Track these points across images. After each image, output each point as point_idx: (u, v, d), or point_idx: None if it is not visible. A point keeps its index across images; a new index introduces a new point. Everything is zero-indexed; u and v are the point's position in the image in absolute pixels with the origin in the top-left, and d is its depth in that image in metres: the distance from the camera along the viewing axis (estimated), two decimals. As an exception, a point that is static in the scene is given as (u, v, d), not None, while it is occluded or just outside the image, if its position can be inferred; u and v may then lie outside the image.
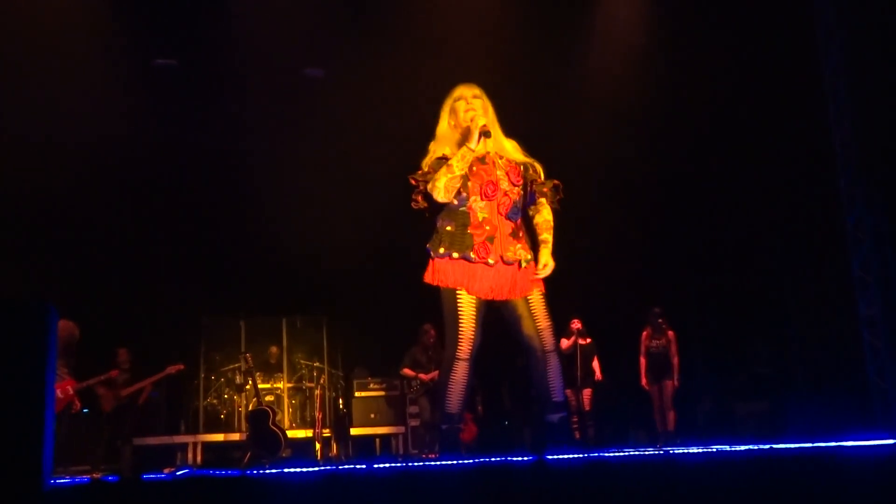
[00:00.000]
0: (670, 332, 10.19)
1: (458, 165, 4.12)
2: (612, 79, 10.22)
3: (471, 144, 4.12)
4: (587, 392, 10.17)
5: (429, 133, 4.43)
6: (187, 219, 11.37)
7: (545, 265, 4.29)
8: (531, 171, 4.42)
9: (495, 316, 4.38)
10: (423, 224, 10.49)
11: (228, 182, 11.13)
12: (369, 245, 11.22)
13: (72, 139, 9.69)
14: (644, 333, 10.33)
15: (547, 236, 4.38)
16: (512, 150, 4.43)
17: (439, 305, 4.18)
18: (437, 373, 9.63)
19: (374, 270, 11.45)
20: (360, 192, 10.62)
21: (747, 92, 9.74)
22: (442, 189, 4.10)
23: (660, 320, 10.25)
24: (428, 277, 4.23)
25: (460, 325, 4.11)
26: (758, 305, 10.47)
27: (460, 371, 4.12)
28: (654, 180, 10.78)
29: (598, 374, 10.42)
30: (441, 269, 4.20)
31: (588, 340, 10.23)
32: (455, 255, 4.17)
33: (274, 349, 11.50)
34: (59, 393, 8.43)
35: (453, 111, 4.34)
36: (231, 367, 11.26)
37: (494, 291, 4.21)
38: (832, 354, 9.18)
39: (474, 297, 4.16)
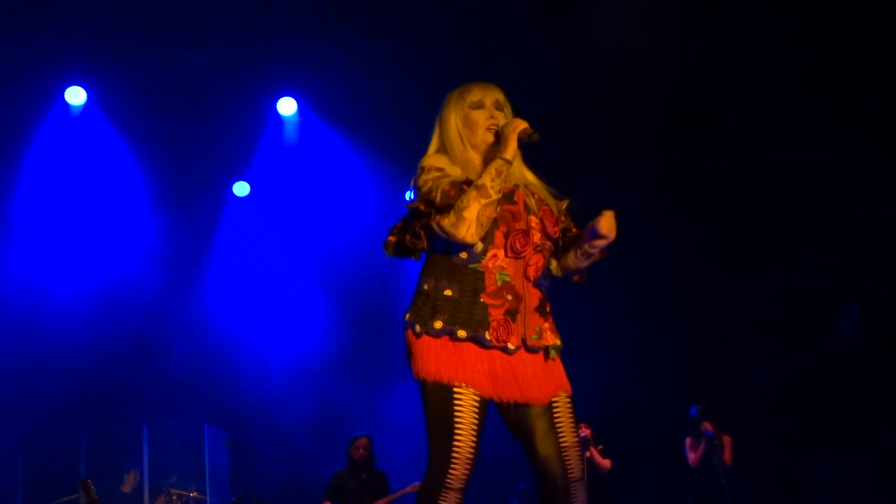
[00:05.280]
0: (725, 438, 7.84)
1: (495, 185, 3.21)
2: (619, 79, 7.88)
3: (507, 154, 3.25)
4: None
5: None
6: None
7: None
8: (566, 216, 3.50)
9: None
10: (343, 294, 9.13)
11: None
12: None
13: None
14: (687, 441, 7.96)
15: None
16: (538, 187, 3.48)
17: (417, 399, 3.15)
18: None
19: (281, 361, 9.14)
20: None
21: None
22: (473, 221, 3.19)
23: (705, 425, 7.72)
24: (414, 364, 3.24)
25: (456, 438, 3.14)
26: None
27: None
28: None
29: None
30: (434, 354, 3.20)
31: (600, 448, 7.75)
32: (461, 333, 3.21)
33: (131, 475, 8.22)
34: None
35: (468, 122, 3.42)
36: (65, 500, 7.72)
37: (513, 390, 3.24)
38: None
39: (478, 396, 3.18)
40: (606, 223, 3.33)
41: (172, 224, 8.85)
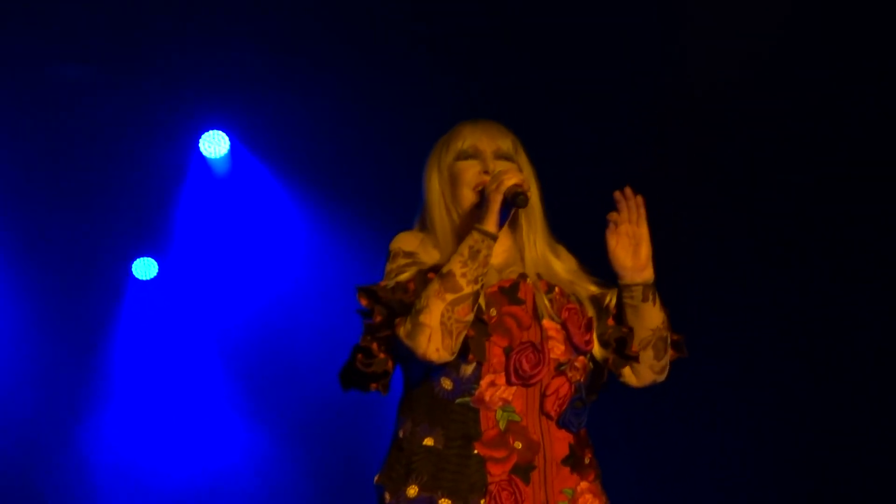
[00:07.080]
0: None
1: (469, 272, 2.47)
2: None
3: (487, 224, 2.50)
4: None
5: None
6: None
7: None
8: (608, 313, 2.70)
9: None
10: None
11: None
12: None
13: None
14: None
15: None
16: (567, 272, 2.73)
17: None
18: None
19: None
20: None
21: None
22: (436, 328, 2.46)
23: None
24: None
25: None
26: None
27: None
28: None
29: None
30: None
31: None
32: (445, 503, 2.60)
33: None
34: None
35: (453, 177, 2.69)
36: None
37: None
38: None
39: None
40: (622, 247, 2.70)
41: (39, 327, 6.15)
